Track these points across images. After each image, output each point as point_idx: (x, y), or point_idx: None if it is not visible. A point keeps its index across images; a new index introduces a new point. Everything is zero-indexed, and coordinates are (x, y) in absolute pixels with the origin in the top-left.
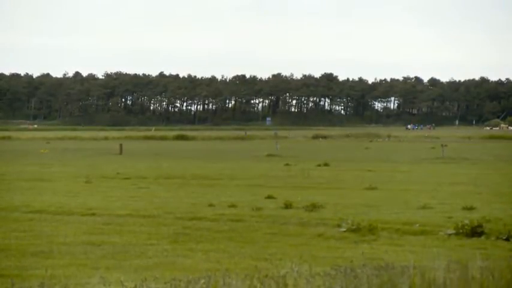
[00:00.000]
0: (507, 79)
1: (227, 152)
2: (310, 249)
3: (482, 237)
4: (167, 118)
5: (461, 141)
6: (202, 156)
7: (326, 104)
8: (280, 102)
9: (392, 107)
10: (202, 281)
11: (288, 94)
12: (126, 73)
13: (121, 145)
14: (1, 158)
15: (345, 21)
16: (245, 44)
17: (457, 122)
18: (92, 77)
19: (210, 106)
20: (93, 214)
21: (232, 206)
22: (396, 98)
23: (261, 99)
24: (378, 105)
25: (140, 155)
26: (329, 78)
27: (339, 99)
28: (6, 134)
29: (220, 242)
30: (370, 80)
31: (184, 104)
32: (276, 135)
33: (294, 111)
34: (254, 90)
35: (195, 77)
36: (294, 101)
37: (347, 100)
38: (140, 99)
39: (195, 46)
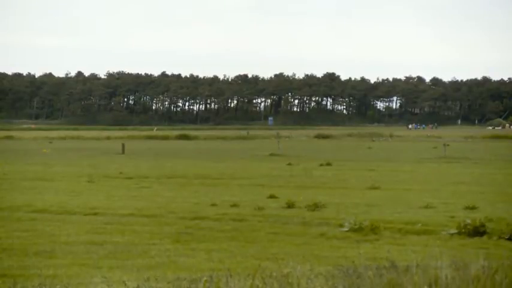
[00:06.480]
0: (509, 79)
1: (229, 152)
2: (313, 248)
3: (485, 237)
4: (169, 118)
5: (463, 141)
6: (205, 156)
7: (328, 103)
8: (282, 101)
9: (394, 106)
10: (205, 279)
11: (290, 94)
12: (128, 73)
13: (123, 145)
14: (3, 157)
15: (347, 20)
16: (247, 44)
17: (459, 121)
18: (94, 77)
19: (212, 106)
20: (96, 213)
21: (235, 205)
22: (398, 98)
23: (263, 99)
24: (380, 105)
25: (142, 154)
26: (331, 77)
27: (341, 99)
28: (9, 133)
29: (222, 241)
30: (372, 80)
31: (187, 103)
32: (278, 135)
33: (296, 111)
34: (256, 89)
35: (197, 76)
36: (296, 101)
37: (349, 100)
38: (142, 99)
39: (197, 46)
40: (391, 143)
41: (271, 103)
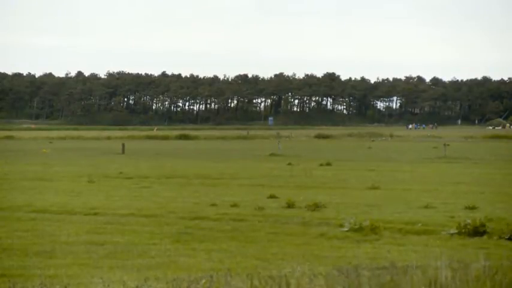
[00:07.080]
0: (509, 78)
1: (229, 152)
2: (313, 248)
3: (485, 237)
4: (169, 118)
5: (463, 141)
6: (205, 156)
7: (328, 103)
8: (282, 101)
9: (394, 106)
10: (204, 280)
11: (290, 94)
12: (128, 73)
13: (123, 144)
14: (4, 157)
15: (347, 20)
16: (247, 44)
17: (459, 121)
18: (94, 77)
19: (213, 106)
20: (96, 213)
21: (235, 205)
22: (398, 98)
23: (263, 99)
24: (380, 105)
25: (142, 154)
26: (331, 77)
27: (341, 99)
28: (9, 133)
29: (222, 241)
30: (373, 80)
31: (187, 103)
32: (278, 135)
33: (296, 111)
34: (256, 89)
35: (197, 76)
36: (296, 101)
37: (349, 99)
38: (142, 99)
39: (197, 46)
40: (391, 143)
41: (271, 103)
